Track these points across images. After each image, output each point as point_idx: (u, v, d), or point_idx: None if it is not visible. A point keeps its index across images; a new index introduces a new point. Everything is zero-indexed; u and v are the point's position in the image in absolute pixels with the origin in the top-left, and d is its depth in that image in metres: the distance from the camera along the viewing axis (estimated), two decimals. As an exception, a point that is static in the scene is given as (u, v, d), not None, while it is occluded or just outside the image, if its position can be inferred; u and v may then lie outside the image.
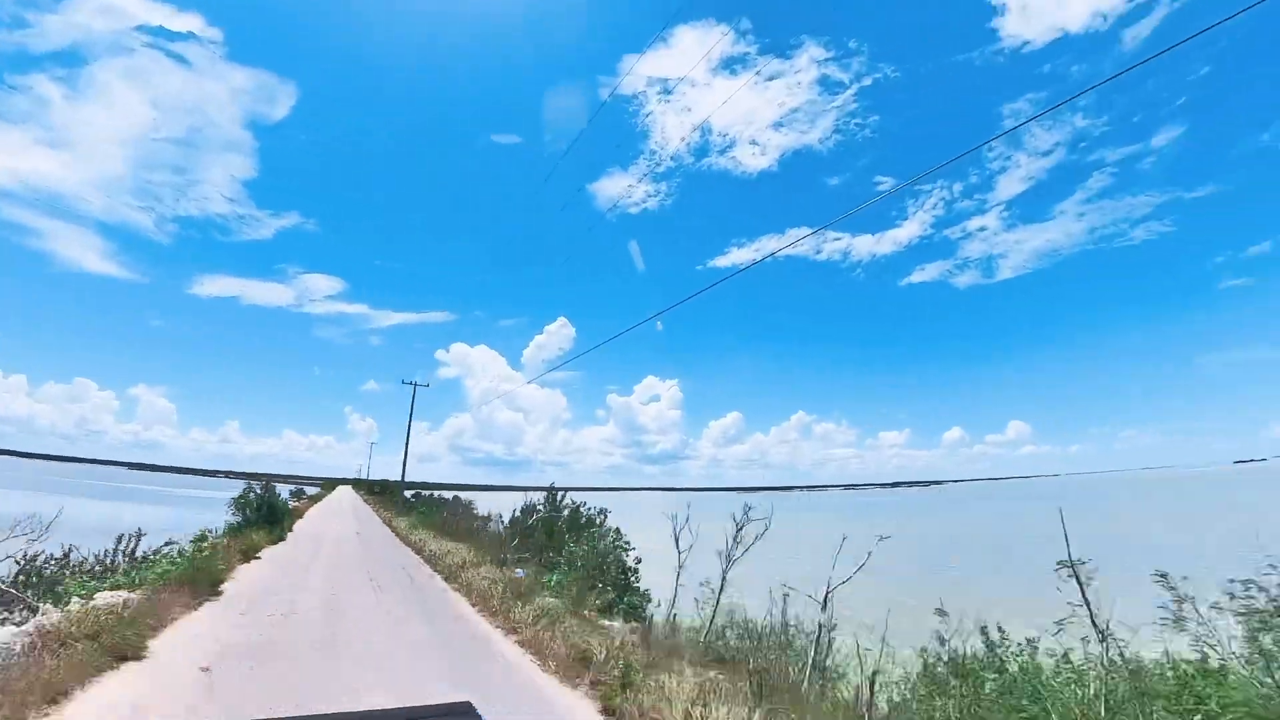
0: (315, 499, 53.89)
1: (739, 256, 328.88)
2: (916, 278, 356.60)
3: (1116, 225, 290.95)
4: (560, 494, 16.92)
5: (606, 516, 15.58)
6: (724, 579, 9.52)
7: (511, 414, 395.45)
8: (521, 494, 17.91)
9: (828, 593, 7.45)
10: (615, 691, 5.51)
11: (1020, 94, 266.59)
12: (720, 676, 5.97)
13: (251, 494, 19.25)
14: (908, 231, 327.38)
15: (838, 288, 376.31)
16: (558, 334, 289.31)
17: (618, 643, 7.00)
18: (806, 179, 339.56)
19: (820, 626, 7.06)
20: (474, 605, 10.20)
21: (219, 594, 10.10)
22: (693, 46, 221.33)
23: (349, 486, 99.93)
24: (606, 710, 5.41)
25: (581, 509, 16.18)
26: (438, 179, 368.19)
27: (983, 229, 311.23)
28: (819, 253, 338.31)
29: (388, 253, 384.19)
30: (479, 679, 6.47)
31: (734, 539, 9.60)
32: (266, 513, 18.58)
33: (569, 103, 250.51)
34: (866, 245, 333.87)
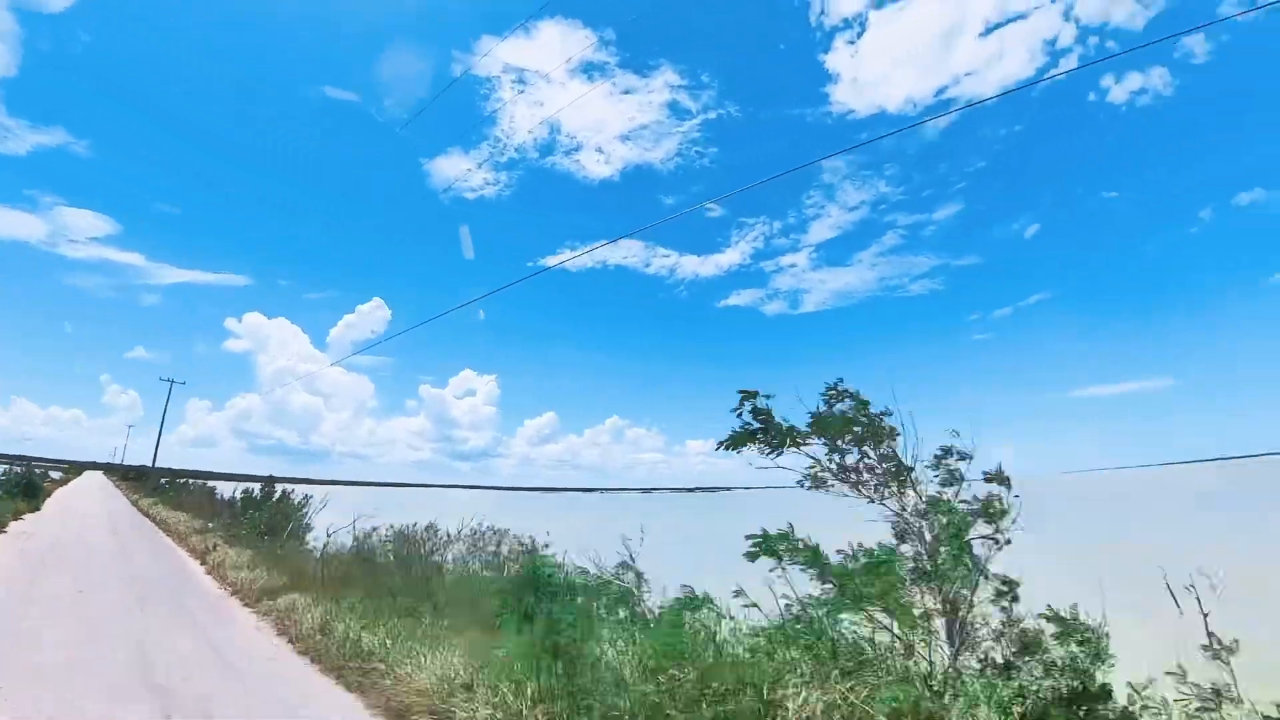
0: (59, 483, 53.33)
1: (572, 260, 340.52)
2: (733, 300, 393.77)
3: (900, 278, 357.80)
4: (278, 485, 24.82)
5: (309, 500, 23.65)
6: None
7: (310, 398, 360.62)
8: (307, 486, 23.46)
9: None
10: (208, 557, 14.39)
11: (839, 155, 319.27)
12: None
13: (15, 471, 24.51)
14: (729, 258, 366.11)
15: (661, 302, 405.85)
16: (371, 315, 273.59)
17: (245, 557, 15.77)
18: (644, 194, 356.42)
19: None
20: (180, 544, 18.30)
21: (5, 531, 17.13)
22: (555, 42, 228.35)
23: (100, 473, 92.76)
24: (206, 567, 14.22)
25: (290, 497, 24.25)
26: (249, 119, 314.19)
27: (793, 265, 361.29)
28: (648, 266, 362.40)
29: (176, 196, 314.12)
30: (172, 568, 14.86)
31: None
32: (26, 488, 24.17)
33: (416, 70, 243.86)
34: (692, 265, 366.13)
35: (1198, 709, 4.31)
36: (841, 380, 6.58)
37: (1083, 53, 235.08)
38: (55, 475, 66.42)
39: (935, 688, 4.53)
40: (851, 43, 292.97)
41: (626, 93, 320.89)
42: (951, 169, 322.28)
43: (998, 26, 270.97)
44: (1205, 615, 4.93)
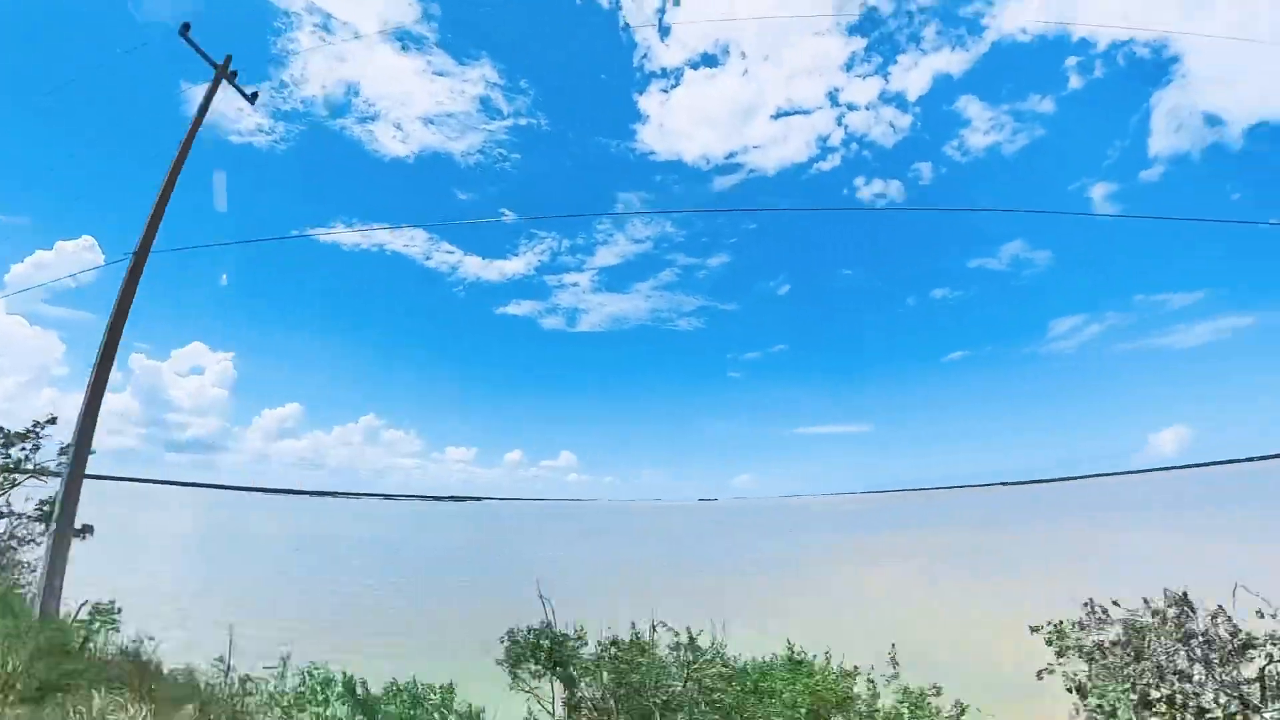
0: None
1: (345, 236, 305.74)
2: (512, 309, 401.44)
3: (671, 313, 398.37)
4: None
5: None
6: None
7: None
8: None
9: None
10: None
11: (635, 189, 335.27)
12: None
13: None
14: (514, 266, 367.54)
15: (437, 299, 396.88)
16: (76, 256, 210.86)
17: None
18: (438, 183, 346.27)
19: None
20: None
21: None
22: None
23: None
24: None
25: None
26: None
27: (576, 284, 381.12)
28: (429, 259, 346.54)
29: None
30: None
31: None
32: None
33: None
34: (475, 266, 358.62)
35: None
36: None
37: (845, 154, 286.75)
38: None
39: None
40: (665, 91, 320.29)
41: (440, 74, 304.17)
42: (728, 224, 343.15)
43: (786, 114, 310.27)
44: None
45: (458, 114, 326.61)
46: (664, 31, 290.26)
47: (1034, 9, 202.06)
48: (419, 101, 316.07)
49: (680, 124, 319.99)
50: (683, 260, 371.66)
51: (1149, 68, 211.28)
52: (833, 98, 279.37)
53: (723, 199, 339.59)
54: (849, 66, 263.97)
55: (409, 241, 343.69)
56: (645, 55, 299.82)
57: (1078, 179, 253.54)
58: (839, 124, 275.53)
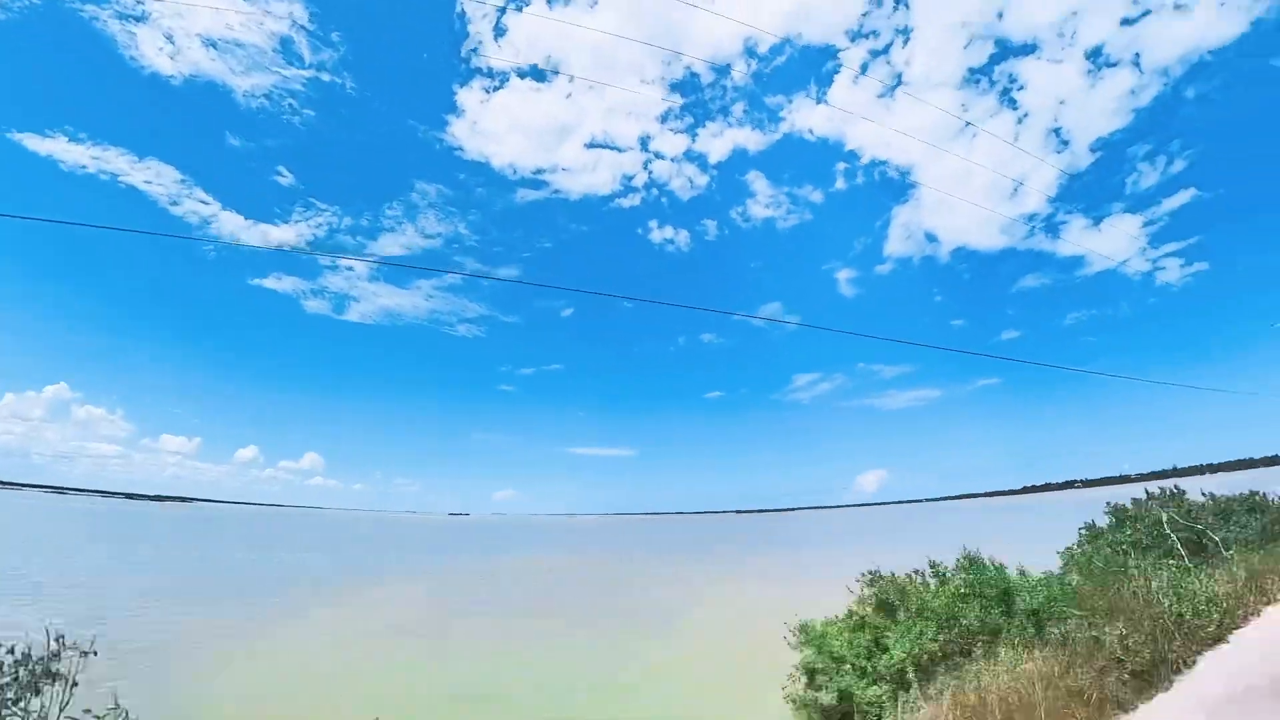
0: None
1: (72, 151, 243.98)
2: (270, 283, 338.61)
3: (451, 316, 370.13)
4: None
5: None
6: None
7: None
8: None
9: None
10: None
11: (435, 180, 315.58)
12: None
13: None
14: (282, 234, 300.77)
15: (177, 252, 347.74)
16: None
17: None
18: (204, 117, 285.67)
19: None
20: None
21: None
22: None
23: None
24: None
25: None
26: None
27: (350, 269, 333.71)
28: (176, 204, 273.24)
29: None
30: None
31: None
32: None
33: None
34: (234, 224, 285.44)
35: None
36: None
37: (645, 196, 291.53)
38: None
39: None
40: (487, 91, 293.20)
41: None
42: (523, 238, 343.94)
43: (599, 145, 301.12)
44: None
45: (249, 46, 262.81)
46: (499, 31, 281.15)
47: (820, 117, 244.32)
48: (203, 17, 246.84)
49: (495, 127, 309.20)
50: (472, 265, 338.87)
51: (895, 186, 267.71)
52: (644, 142, 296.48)
53: (522, 212, 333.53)
54: (664, 118, 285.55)
55: (154, 178, 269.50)
56: (475, 49, 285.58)
57: (829, 260, 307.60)
58: (645, 168, 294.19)
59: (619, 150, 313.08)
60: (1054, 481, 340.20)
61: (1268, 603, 12.19)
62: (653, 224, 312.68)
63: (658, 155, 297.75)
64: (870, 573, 15.08)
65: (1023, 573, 13.63)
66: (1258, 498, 24.53)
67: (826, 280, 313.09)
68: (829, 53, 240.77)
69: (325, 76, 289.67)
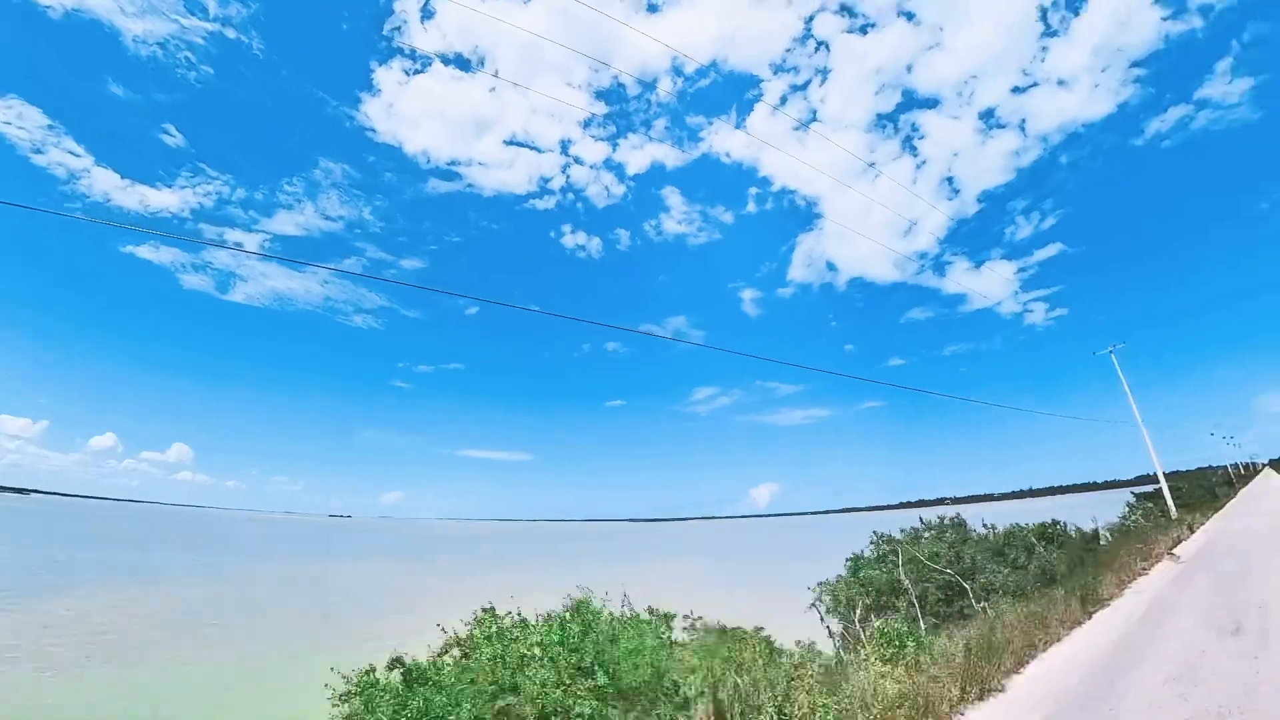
0: None
1: None
2: (144, 252, 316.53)
3: (347, 305, 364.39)
4: None
5: None
6: None
7: None
8: None
9: None
10: None
11: (341, 160, 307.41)
12: None
13: None
14: (165, 199, 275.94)
15: (38, 209, 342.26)
16: None
17: None
18: (87, 63, 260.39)
19: None
20: None
21: None
22: None
23: None
24: None
25: None
26: None
27: (240, 244, 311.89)
28: (41, 152, 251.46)
29: None
30: None
31: None
32: None
33: None
34: (108, 182, 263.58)
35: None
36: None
37: (561, 200, 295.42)
38: None
39: None
40: (408, 74, 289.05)
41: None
42: (432, 229, 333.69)
43: (519, 144, 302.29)
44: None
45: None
46: (427, 13, 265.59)
47: (738, 142, 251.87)
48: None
49: (411, 112, 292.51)
50: (373, 253, 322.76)
51: (802, 215, 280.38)
52: (564, 146, 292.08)
53: (432, 203, 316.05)
54: (586, 125, 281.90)
55: (15, 119, 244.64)
56: (399, 27, 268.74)
57: (735, 280, 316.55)
58: (563, 172, 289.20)
59: (538, 151, 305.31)
60: (927, 498, 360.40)
61: (981, 697, 8.01)
62: (566, 229, 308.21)
63: (577, 160, 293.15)
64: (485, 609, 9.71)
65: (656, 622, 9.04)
66: (1055, 529, 21.97)
67: (731, 298, 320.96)
68: (752, 82, 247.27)
69: (230, 33, 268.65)
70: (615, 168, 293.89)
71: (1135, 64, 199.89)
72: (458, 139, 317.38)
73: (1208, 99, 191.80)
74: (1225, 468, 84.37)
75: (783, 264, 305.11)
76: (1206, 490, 51.58)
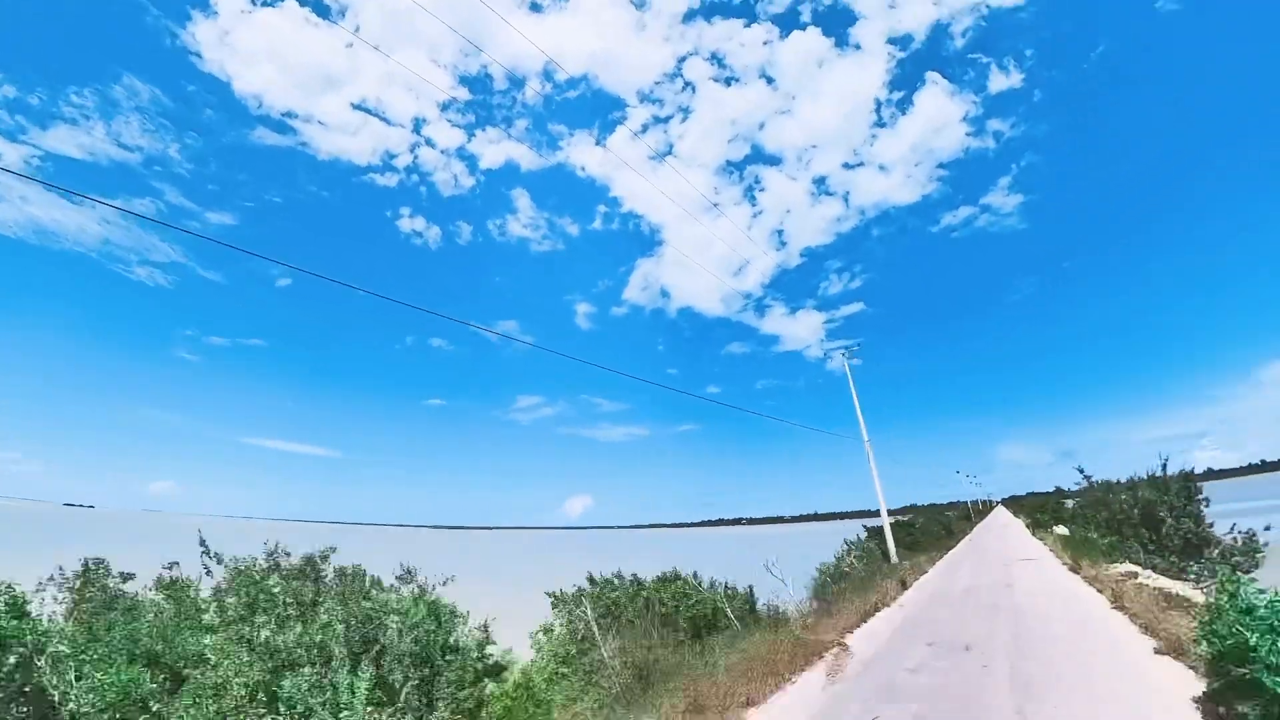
0: None
1: None
2: None
3: (129, 253, 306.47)
4: None
5: None
6: None
7: None
8: None
9: None
10: None
11: (152, 82, 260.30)
12: None
13: None
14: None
15: None
16: None
17: None
18: None
19: None
20: None
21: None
22: None
23: None
24: None
25: None
26: None
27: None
28: None
29: None
30: None
31: None
32: None
33: None
34: None
35: None
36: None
37: (403, 179, 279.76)
38: None
39: None
40: (254, 1, 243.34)
41: None
42: (250, 184, 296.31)
43: (367, 110, 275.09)
44: None
45: None
46: None
47: (594, 158, 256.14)
48: None
49: (250, 47, 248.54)
50: (174, 198, 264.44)
51: (645, 239, 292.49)
52: (418, 124, 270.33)
53: (256, 153, 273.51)
54: (445, 107, 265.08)
55: None
56: None
57: (572, 292, 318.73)
58: (412, 151, 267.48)
59: (388, 123, 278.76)
60: (726, 518, 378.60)
61: None
62: (405, 211, 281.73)
63: (429, 142, 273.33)
64: None
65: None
66: (680, 585, 15.53)
67: (566, 310, 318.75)
68: (618, 104, 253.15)
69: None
70: (468, 158, 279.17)
71: (941, 165, 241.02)
72: (299, 90, 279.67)
73: (989, 205, 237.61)
74: (966, 503, 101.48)
75: (620, 284, 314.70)
76: (943, 526, 50.51)
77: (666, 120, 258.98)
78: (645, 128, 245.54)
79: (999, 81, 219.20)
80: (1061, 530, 33.41)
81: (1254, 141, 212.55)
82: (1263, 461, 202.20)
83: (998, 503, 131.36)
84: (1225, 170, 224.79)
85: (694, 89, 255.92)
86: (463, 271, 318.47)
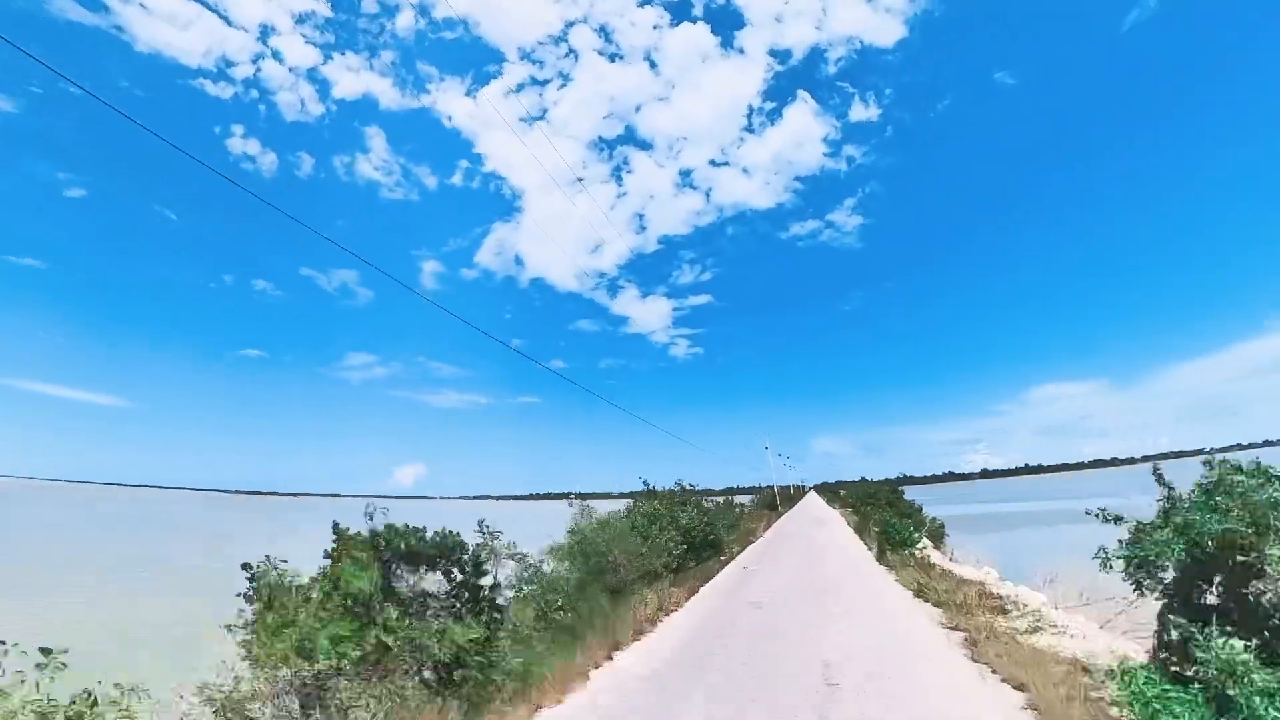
0: None
1: None
2: None
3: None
4: None
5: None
6: None
7: None
8: None
9: None
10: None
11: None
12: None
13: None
14: None
15: None
16: None
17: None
18: None
19: None
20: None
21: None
22: None
23: None
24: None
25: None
26: None
27: None
28: None
29: None
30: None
31: None
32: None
33: None
34: None
35: None
36: None
37: (240, 93, 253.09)
38: None
39: None
40: None
41: None
42: (38, 66, 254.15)
43: (203, 2, 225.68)
44: None
45: None
46: None
47: (463, 109, 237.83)
48: None
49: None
50: None
51: (505, 203, 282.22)
52: (265, 31, 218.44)
53: (50, 27, 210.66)
54: (301, 20, 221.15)
55: None
56: None
57: (421, 248, 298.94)
58: (254, 61, 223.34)
59: (228, 22, 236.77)
60: (555, 491, 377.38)
61: None
62: (238, 129, 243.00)
63: (276, 55, 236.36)
64: None
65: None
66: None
67: (412, 266, 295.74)
68: (496, 57, 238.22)
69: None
70: (320, 83, 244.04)
71: (797, 178, 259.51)
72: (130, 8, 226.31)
73: (834, 221, 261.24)
74: (786, 487, 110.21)
75: (474, 245, 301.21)
76: (765, 504, 51.16)
77: (544, 84, 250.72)
78: (521, 87, 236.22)
79: (859, 112, 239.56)
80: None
81: (1041, 218, 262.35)
82: (1025, 465, 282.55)
83: (810, 488, 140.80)
84: (1015, 231, 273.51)
85: (577, 57, 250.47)
86: (300, 209, 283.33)
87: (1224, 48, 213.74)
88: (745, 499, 56.21)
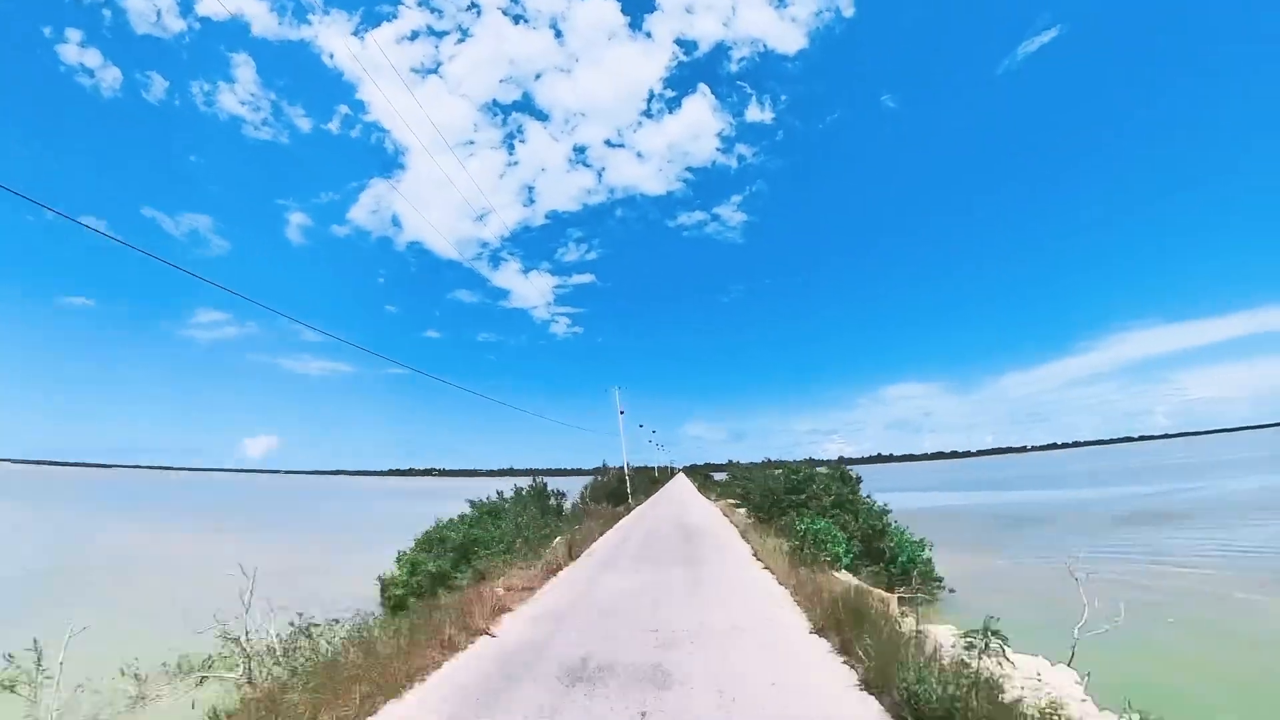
0: None
1: None
2: None
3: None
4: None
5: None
6: None
7: None
8: None
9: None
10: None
11: None
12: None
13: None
14: None
15: None
16: None
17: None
18: None
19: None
20: None
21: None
22: None
23: None
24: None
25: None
26: None
27: None
28: None
29: None
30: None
31: None
32: None
33: None
34: None
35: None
36: None
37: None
38: None
39: None
40: None
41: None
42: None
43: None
44: None
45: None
46: None
47: (346, 49, 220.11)
48: None
49: None
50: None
51: (384, 159, 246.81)
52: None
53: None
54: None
55: None
56: None
57: (287, 197, 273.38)
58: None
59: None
60: (418, 468, 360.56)
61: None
62: (75, 35, 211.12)
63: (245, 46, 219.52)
64: None
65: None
66: None
67: (277, 216, 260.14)
68: None
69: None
70: (253, 47, 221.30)
71: (689, 169, 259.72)
72: None
73: (719, 215, 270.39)
74: (653, 468, 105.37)
75: (348, 200, 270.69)
76: (607, 494, 39.41)
77: (442, 35, 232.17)
78: (416, 35, 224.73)
79: (754, 113, 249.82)
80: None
81: (910, 236, 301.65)
82: (877, 454, 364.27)
83: (679, 469, 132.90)
84: (884, 243, 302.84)
85: (480, 12, 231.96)
86: (144, 137, 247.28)
87: (1080, 99, 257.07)
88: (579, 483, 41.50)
